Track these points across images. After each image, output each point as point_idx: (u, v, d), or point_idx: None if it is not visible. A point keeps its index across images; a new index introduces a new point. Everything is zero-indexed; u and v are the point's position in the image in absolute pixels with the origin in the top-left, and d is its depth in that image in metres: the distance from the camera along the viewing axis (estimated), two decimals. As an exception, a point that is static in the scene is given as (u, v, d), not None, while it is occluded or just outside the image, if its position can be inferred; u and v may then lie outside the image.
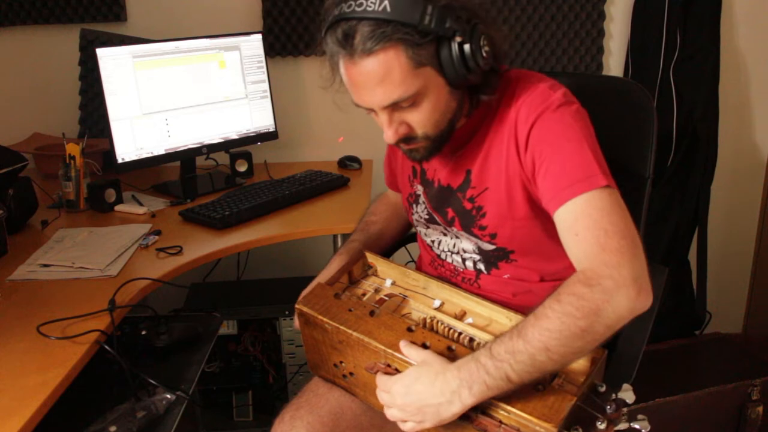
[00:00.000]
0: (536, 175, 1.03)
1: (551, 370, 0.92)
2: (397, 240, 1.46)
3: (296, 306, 1.14)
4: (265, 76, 2.07)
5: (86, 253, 1.48)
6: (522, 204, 1.08)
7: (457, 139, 1.12)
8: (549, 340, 0.88)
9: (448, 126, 1.05)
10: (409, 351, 1.01)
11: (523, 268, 1.16)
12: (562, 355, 0.89)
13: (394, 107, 1.01)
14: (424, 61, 0.97)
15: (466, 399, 0.92)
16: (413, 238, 1.58)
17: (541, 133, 1.02)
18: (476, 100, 1.08)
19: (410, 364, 1.00)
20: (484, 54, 0.99)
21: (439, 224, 1.21)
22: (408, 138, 1.05)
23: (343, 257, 1.29)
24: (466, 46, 0.97)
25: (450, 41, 0.97)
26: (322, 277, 1.24)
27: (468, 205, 1.14)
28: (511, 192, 1.08)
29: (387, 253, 1.56)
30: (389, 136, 1.03)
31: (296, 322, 1.19)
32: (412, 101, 1.00)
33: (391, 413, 1.00)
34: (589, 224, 0.94)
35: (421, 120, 1.02)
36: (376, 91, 0.98)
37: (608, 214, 0.94)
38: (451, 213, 1.17)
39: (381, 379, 1.02)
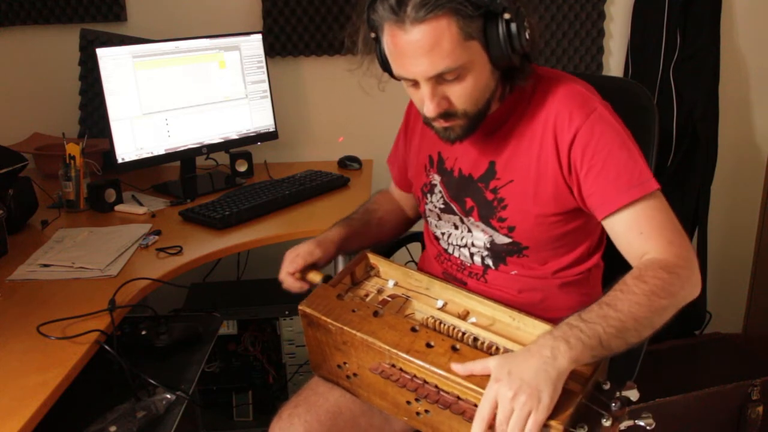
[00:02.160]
0: (583, 177, 1.06)
1: (633, 341, 0.96)
2: (396, 234, 1.47)
3: (299, 307, 1.13)
4: (265, 76, 2.07)
5: (86, 253, 1.48)
6: (548, 201, 1.10)
7: (487, 125, 1.12)
8: (638, 311, 0.95)
9: (485, 105, 1.06)
10: (473, 366, 0.96)
11: (532, 264, 1.16)
12: (645, 327, 0.96)
13: (438, 80, 1.01)
14: (473, 35, 0.98)
15: (565, 353, 0.89)
16: (414, 238, 1.58)
17: (592, 136, 1.05)
18: (510, 86, 1.10)
19: (421, 367, 0.99)
20: (527, 36, 1.01)
21: (454, 214, 1.21)
22: (447, 114, 1.05)
23: (342, 229, 1.31)
24: (513, 25, 0.99)
25: (498, 18, 0.98)
26: (316, 239, 1.27)
27: (490, 196, 1.15)
28: (538, 188, 1.10)
29: (387, 252, 1.57)
30: (431, 109, 1.03)
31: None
32: (457, 74, 1.00)
33: (502, 393, 0.89)
34: (654, 225, 1.03)
35: (462, 95, 1.03)
36: (423, 60, 0.98)
37: (666, 213, 1.05)
38: (470, 203, 1.17)
39: (471, 364, 0.96)
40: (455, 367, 0.97)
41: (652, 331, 0.97)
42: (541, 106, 1.10)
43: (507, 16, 0.98)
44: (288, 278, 1.24)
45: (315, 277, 1.23)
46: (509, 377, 0.89)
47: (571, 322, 0.94)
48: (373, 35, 1.08)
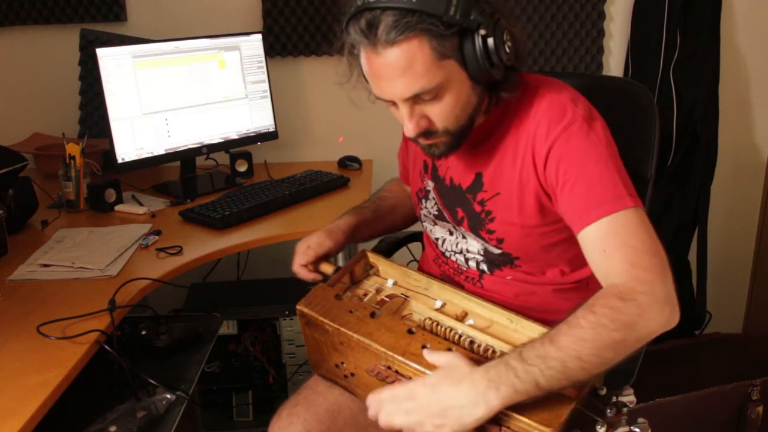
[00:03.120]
0: (559, 191, 1.02)
1: (580, 379, 0.90)
2: (408, 222, 1.46)
3: (297, 307, 1.13)
4: (265, 76, 2.07)
5: (86, 253, 1.48)
6: (533, 213, 1.08)
7: (473, 138, 1.11)
8: (582, 349, 0.88)
9: (468, 121, 1.05)
10: (434, 357, 0.98)
11: (526, 272, 1.16)
12: (593, 364, 0.89)
13: (415, 100, 1.00)
14: (448, 53, 0.96)
15: (493, 401, 0.88)
16: (415, 237, 1.59)
17: (566, 150, 1.01)
18: (496, 98, 1.08)
19: (416, 370, 1.00)
20: (507, 49, 0.99)
21: (447, 222, 1.21)
22: (428, 132, 1.04)
23: (352, 217, 1.32)
24: (490, 40, 0.96)
25: (474, 34, 0.96)
26: (326, 229, 1.28)
27: (477, 208, 1.14)
28: (522, 200, 1.08)
29: (388, 251, 1.57)
30: (409, 129, 1.02)
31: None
32: (434, 94, 0.99)
33: (404, 421, 0.94)
34: (617, 243, 0.96)
35: (442, 114, 1.02)
36: (398, 83, 0.97)
37: (636, 232, 0.96)
38: (461, 213, 1.17)
39: (400, 386, 0.98)
40: (426, 352, 0.99)
41: (606, 366, 0.91)
42: (525, 117, 1.07)
43: (483, 32, 0.96)
44: (301, 270, 1.26)
45: (327, 268, 1.25)
46: (427, 409, 0.92)
47: (509, 362, 0.90)
48: (355, 51, 1.06)
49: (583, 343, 0.88)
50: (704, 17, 2.11)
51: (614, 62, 2.26)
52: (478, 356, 1.01)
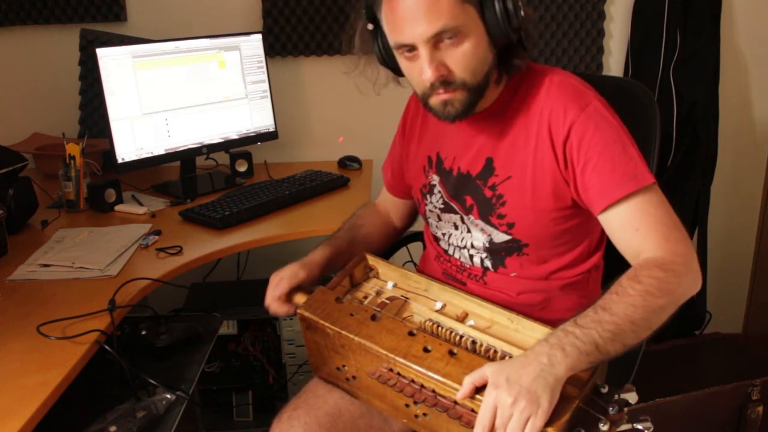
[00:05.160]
0: (580, 171, 1.06)
1: (631, 344, 0.95)
2: (382, 248, 1.44)
3: (298, 311, 1.13)
4: (265, 76, 2.07)
5: (86, 253, 1.48)
6: (546, 196, 1.10)
7: (482, 119, 1.13)
8: (634, 313, 0.94)
9: (484, 78, 1.06)
10: (473, 379, 0.94)
11: (531, 264, 1.16)
12: (642, 328, 0.95)
13: (436, 43, 1.02)
14: (470, 0, 1.01)
15: (561, 361, 0.89)
16: (415, 237, 1.58)
17: (587, 129, 1.05)
18: (506, 69, 1.10)
19: (418, 372, 0.99)
20: (523, 14, 1.03)
21: (455, 213, 1.21)
22: (446, 81, 1.05)
23: (326, 249, 1.28)
24: (508, 1, 1.01)
25: None
26: (300, 261, 1.24)
27: (488, 193, 1.15)
28: (536, 183, 1.10)
29: (388, 252, 1.56)
30: (429, 74, 1.03)
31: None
32: (455, 35, 1.01)
33: (500, 399, 0.89)
34: (649, 221, 1.03)
35: (461, 61, 1.03)
36: (422, 20, 1.00)
37: (662, 208, 1.04)
38: (470, 201, 1.17)
39: (470, 377, 0.94)
40: (460, 394, 0.94)
41: (651, 331, 0.97)
42: (535, 100, 1.10)
43: None
44: (274, 303, 1.20)
45: (300, 299, 1.19)
46: (508, 383, 0.89)
47: (567, 329, 0.93)
48: (371, 27, 1.09)
49: (633, 308, 0.94)
50: (704, 17, 2.11)
51: (614, 62, 2.26)
52: (480, 357, 1.01)
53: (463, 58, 1.03)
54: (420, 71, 1.04)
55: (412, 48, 1.03)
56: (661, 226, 1.02)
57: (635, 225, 1.03)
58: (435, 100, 1.07)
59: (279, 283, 1.20)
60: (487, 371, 0.92)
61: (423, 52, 1.02)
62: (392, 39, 1.06)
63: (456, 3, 0.99)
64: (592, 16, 2.17)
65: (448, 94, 1.06)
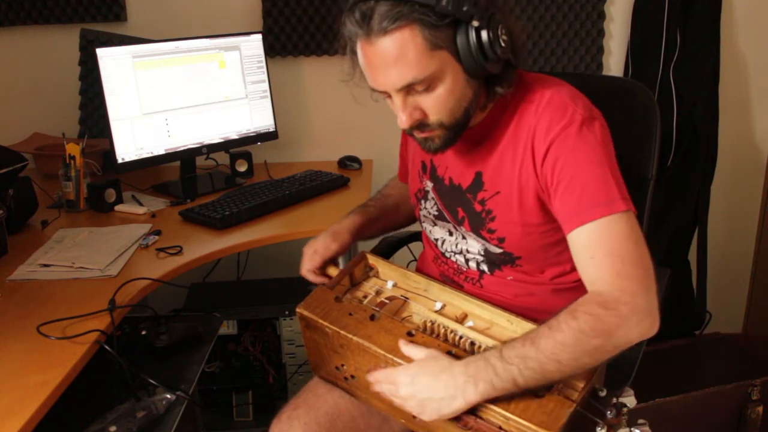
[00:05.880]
0: (554, 190, 1.02)
1: (556, 380, 0.94)
2: (411, 219, 1.46)
3: (297, 310, 1.14)
4: (265, 76, 2.07)
5: (86, 253, 1.48)
6: (534, 211, 1.08)
7: (472, 136, 1.11)
8: (561, 352, 0.91)
9: (463, 115, 1.04)
10: (410, 350, 1.01)
11: (527, 272, 1.15)
12: (570, 368, 0.92)
13: (408, 91, 1.00)
14: (441, 44, 0.96)
15: (471, 395, 0.92)
16: (415, 237, 1.59)
17: (563, 150, 1.01)
18: (493, 94, 1.07)
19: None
20: (502, 43, 0.98)
21: (447, 222, 1.20)
22: (422, 125, 1.04)
23: (357, 216, 1.34)
24: (484, 33, 0.96)
25: (467, 26, 0.96)
26: (331, 230, 1.30)
27: (478, 208, 1.13)
28: (522, 199, 1.08)
29: (388, 251, 1.57)
30: (403, 120, 1.02)
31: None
32: (427, 84, 0.99)
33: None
34: (606, 251, 0.97)
35: (435, 106, 1.01)
36: (391, 72, 0.98)
37: (625, 240, 0.97)
38: (461, 213, 1.17)
39: (384, 372, 1.02)
40: (402, 342, 1.02)
41: (581, 370, 0.94)
42: (525, 114, 1.07)
43: (476, 23, 0.95)
44: (309, 275, 1.28)
45: (334, 272, 1.26)
46: (415, 382, 0.97)
47: (490, 360, 0.93)
48: (353, 58, 1.07)
49: (562, 347, 0.91)
50: (704, 17, 2.11)
51: (614, 62, 2.26)
52: None
53: (437, 102, 1.01)
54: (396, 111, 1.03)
55: (387, 93, 1.03)
56: (617, 259, 0.95)
57: (591, 252, 0.98)
58: (416, 135, 1.07)
59: (312, 256, 1.27)
60: (420, 355, 0.99)
61: (396, 100, 1.01)
62: (368, 82, 1.04)
63: (424, 53, 0.95)
64: (592, 16, 2.17)
65: (425, 133, 1.05)
